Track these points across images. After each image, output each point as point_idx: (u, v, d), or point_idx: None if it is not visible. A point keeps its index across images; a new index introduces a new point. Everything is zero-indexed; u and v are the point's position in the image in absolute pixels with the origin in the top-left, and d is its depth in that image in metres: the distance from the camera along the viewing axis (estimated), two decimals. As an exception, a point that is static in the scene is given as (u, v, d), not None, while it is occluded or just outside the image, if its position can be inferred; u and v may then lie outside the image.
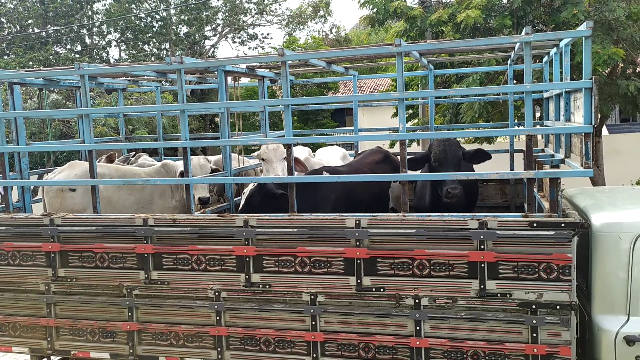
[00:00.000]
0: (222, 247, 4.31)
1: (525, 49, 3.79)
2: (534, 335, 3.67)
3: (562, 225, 3.58)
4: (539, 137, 6.76)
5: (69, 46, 24.06)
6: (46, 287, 4.77)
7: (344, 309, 4.08)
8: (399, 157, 6.27)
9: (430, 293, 3.89)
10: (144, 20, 23.94)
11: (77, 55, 22.72)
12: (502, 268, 3.72)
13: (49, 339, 4.81)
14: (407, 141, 4.38)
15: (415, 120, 12.99)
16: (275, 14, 26.61)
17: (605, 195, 4.94)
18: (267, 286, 4.23)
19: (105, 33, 24.42)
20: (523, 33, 3.77)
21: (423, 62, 5.90)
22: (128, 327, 4.57)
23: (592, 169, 3.67)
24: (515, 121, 6.69)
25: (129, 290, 4.55)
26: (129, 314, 4.56)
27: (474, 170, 5.92)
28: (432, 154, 5.05)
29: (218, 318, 4.36)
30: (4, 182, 5.25)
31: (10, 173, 5.47)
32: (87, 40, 24.41)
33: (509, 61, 6.03)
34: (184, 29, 24.75)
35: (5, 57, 22.08)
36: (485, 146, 12.45)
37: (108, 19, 23.41)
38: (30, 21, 23.06)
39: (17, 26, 22.94)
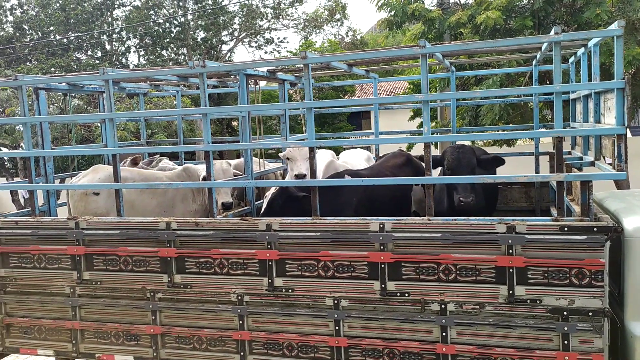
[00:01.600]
0: (244, 251, 4.30)
1: (555, 49, 3.71)
2: (565, 342, 3.59)
3: (595, 229, 3.50)
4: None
5: (89, 52, 24.38)
6: (71, 290, 4.80)
7: (368, 313, 4.04)
8: (420, 159, 6.23)
9: (456, 298, 3.83)
10: (163, 26, 24.18)
11: (97, 61, 23.01)
12: (531, 273, 3.64)
13: (74, 342, 4.83)
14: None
15: (434, 123, 12.89)
16: (292, 18, 26.69)
17: (636, 198, 4.81)
18: (290, 290, 4.21)
19: (124, 39, 24.71)
20: (552, 33, 3.69)
21: (445, 64, 5.83)
22: (152, 330, 4.57)
23: (626, 171, 3.57)
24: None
25: (152, 294, 4.56)
26: (153, 317, 4.57)
27: (495, 173, 5.83)
28: (446, 161, 4.91)
29: (241, 322, 4.34)
30: (30, 185, 5.29)
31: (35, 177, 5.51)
32: (107, 47, 24.72)
33: (534, 62, 5.94)
34: (202, 34, 24.94)
35: (28, 63, 22.44)
36: (506, 149, 12.31)
37: (127, 25, 23.68)
38: (52, 28, 23.41)
39: (39, 33, 23.30)
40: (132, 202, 5.55)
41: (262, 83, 7.01)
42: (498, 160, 5.06)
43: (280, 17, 26.12)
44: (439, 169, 5.16)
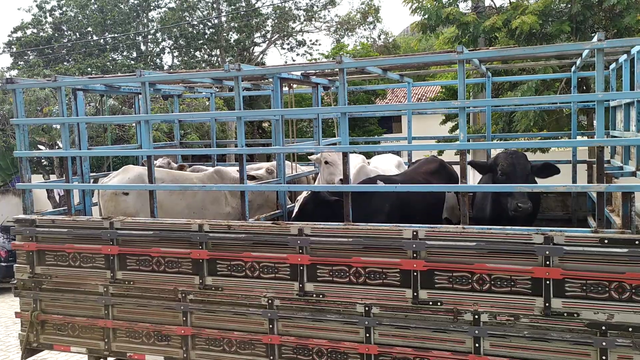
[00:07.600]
0: (276, 255, 4.30)
1: (598, 56, 3.60)
2: (603, 357, 3.48)
3: (637, 242, 3.38)
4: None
5: (125, 53, 24.90)
6: (104, 289, 4.88)
7: (399, 321, 3.99)
8: (453, 166, 6.13)
9: (490, 309, 3.75)
10: (197, 28, 24.53)
11: (132, 62, 23.48)
12: (569, 286, 3.55)
13: (106, 340, 4.91)
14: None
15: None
16: (324, 21, 26.76)
17: (679, 210, 4.64)
18: (321, 296, 4.19)
19: (159, 40, 25.16)
20: (595, 39, 3.59)
21: (482, 69, 5.74)
22: (182, 331, 4.61)
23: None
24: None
25: (183, 295, 4.60)
26: (184, 319, 4.60)
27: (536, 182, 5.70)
28: (500, 166, 4.78)
29: (271, 326, 4.34)
30: (66, 185, 5.41)
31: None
32: (142, 47, 25.20)
33: (573, 68, 5.79)
34: (234, 36, 25.20)
35: (66, 63, 23.04)
36: (539, 155, 12.06)
37: (162, 27, 24.10)
38: (89, 29, 24.02)
39: (77, 34, 23.92)
40: (161, 203, 5.57)
41: (294, 86, 7.02)
42: (551, 168, 4.78)
43: (313, 19, 26.21)
44: (476, 175, 5.07)
